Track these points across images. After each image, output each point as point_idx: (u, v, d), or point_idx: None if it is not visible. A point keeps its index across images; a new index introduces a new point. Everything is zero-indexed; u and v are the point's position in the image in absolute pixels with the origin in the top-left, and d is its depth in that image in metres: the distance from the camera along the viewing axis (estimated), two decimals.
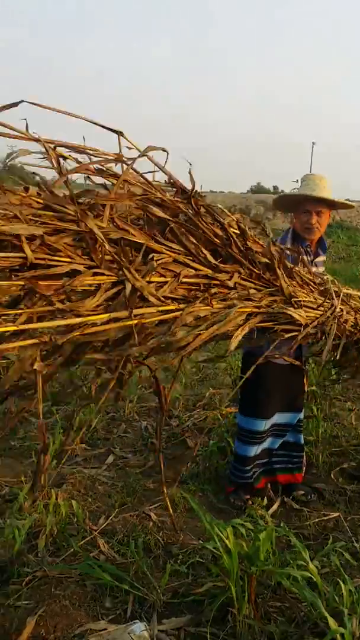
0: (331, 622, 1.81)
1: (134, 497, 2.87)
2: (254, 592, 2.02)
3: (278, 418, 2.91)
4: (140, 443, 3.58)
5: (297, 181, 2.80)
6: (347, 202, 2.81)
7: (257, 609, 2.01)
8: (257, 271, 2.08)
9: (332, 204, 2.73)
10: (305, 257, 2.65)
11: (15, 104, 1.55)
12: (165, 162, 1.92)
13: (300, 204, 2.72)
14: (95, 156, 1.80)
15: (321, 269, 2.82)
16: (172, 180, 1.95)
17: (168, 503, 2.36)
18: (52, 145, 1.69)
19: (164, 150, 1.86)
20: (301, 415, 3.02)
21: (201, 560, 2.30)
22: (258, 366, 2.75)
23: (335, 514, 2.78)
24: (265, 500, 2.79)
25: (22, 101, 1.58)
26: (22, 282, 1.48)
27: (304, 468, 3.04)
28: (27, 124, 1.65)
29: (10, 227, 1.48)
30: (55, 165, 1.68)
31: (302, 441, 3.05)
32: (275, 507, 2.81)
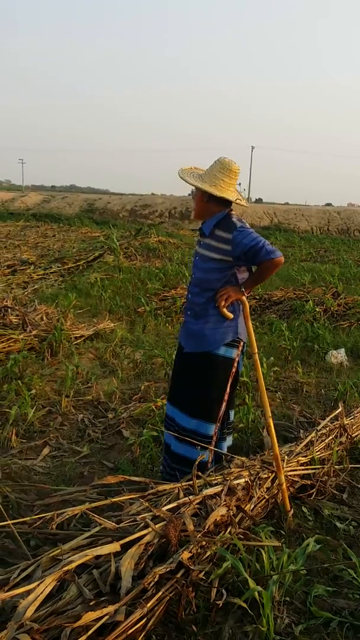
0: (251, 582, 1.96)
1: (69, 484, 2.93)
2: None
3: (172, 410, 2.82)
4: (76, 435, 3.65)
5: (239, 184, 2.80)
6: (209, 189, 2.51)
7: None
8: None
9: (199, 189, 2.55)
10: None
11: None
12: None
13: None
14: None
15: (203, 251, 2.64)
16: None
17: None
18: None
19: None
20: (193, 425, 2.67)
21: None
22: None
23: None
24: None
25: None
26: None
27: None
28: None
29: None
30: None
31: (194, 457, 2.52)
32: None
